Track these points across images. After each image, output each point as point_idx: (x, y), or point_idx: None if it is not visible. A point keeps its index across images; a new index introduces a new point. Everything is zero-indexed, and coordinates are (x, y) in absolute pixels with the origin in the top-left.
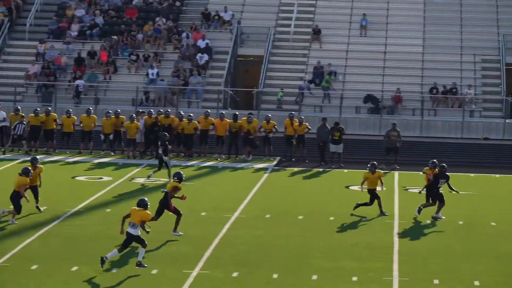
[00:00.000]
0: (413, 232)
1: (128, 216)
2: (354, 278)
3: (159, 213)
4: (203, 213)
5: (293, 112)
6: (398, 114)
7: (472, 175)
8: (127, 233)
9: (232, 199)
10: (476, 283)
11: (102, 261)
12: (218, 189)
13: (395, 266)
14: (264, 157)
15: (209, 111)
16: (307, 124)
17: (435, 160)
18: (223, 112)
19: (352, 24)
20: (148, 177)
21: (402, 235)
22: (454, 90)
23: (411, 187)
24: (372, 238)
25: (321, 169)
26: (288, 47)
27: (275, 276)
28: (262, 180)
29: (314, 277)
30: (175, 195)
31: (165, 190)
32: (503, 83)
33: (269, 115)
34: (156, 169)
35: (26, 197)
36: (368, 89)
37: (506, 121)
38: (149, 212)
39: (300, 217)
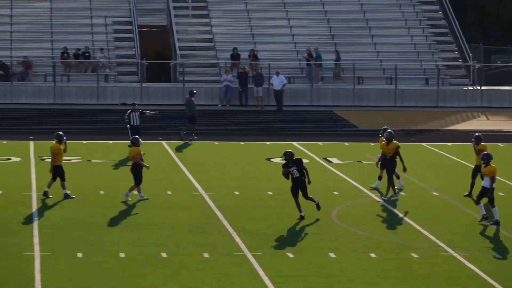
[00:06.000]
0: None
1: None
2: None
3: None
4: None
5: None
6: (30, 80)
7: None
8: (482, 187)
9: None
10: (122, 254)
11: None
12: None
13: (36, 240)
14: None
15: None
16: None
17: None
18: None
19: None
20: None
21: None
22: (86, 54)
23: (47, 156)
24: (9, 213)
25: None
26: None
27: None
28: None
29: None
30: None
31: None
32: (137, 46)
33: None
34: None
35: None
36: None
37: (143, 85)
38: None
39: None
